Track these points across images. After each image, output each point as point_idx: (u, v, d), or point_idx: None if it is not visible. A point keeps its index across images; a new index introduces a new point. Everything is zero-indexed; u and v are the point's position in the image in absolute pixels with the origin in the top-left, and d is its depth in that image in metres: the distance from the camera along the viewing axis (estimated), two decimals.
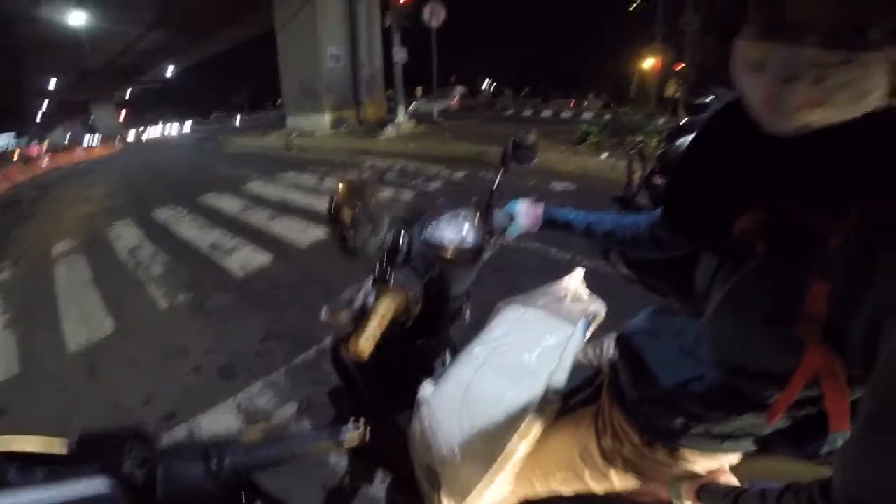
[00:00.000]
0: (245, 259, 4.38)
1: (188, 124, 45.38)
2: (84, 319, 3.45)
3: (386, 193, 6.38)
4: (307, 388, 2.30)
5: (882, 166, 0.42)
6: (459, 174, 7.57)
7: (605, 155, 7.11)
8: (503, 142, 1.17)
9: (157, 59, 37.31)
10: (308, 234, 4.89)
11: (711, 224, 0.59)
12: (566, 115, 19.20)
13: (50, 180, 15.53)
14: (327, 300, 0.74)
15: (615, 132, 7.90)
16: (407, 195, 6.28)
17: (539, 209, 1.11)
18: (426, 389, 1.01)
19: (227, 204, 6.92)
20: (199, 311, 3.39)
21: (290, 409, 2.19)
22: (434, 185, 6.90)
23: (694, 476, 0.76)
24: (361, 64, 16.77)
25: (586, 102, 21.70)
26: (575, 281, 1.20)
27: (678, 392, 0.69)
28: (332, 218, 0.79)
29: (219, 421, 2.15)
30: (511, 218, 1.11)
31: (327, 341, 2.42)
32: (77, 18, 20.00)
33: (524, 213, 1.10)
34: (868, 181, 0.43)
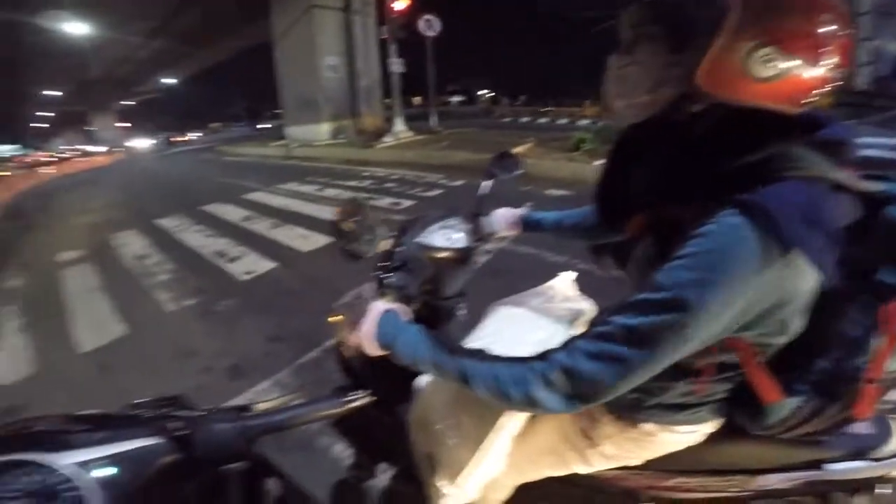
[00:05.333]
0: (250, 266, 4.50)
1: (188, 134, 45.58)
2: (94, 323, 3.54)
3: (384, 202, 6.52)
4: (311, 386, 2.41)
5: (709, 174, 0.60)
6: (458, 182, 7.70)
7: (599, 161, 7.21)
8: (500, 150, 1.31)
9: (156, 69, 37.53)
10: (310, 242, 5.02)
11: (620, 218, 0.79)
12: (562, 122, 19.44)
13: (51, 189, 15.55)
14: (330, 304, 0.85)
15: (609, 139, 8.02)
16: (406, 203, 6.41)
17: (518, 213, 1.25)
18: (424, 380, 1.12)
19: (230, 213, 7.05)
20: (207, 315, 3.50)
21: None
22: (433, 193, 7.03)
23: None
24: (359, 74, 16.96)
25: (582, 110, 21.95)
26: (564, 282, 1.30)
27: None
28: (337, 229, 0.91)
29: None
30: (496, 223, 1.26)
31: (330, 342, 2.53)
32: (77, 28, 19.94)
33: (505, 218, 1.25)
34: (703, 183, 0.61)
